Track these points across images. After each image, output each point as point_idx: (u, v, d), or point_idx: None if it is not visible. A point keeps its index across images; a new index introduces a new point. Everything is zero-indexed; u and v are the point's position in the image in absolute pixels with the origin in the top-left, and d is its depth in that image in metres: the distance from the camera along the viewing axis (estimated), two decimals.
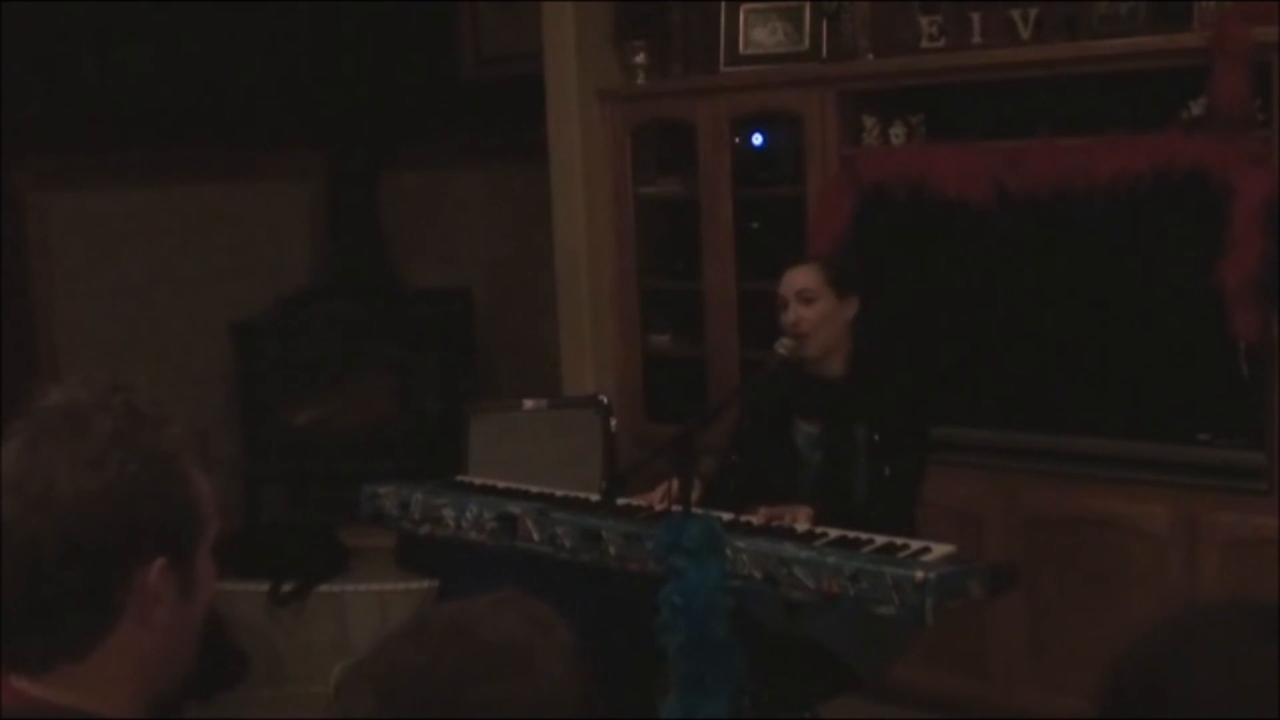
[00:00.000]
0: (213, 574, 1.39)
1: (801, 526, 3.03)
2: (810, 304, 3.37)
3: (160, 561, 1.30)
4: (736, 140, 4.55)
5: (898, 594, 2.69)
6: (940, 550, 2.89)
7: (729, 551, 2.88)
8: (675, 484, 3.06)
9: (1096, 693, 1.21)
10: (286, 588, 4.71)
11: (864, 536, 2.97)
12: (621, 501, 3.22)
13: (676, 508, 2.98)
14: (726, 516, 3.11)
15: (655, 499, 3.16)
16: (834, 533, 3.01)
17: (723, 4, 4.56)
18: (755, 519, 3.10)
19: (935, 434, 3.48)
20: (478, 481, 3.61)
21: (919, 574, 2.69)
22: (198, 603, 1.37)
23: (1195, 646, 1.17)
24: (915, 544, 2.94)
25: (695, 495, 3.24)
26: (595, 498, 3.29)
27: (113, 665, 1.30)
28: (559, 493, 3.39)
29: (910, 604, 2.68)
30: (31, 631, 1.28)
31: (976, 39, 4.03)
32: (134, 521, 1.28)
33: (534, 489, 3.43)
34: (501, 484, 3.52)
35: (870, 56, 4.24)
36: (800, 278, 3.41)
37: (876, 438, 3.28)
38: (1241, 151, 3.49)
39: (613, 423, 4.22)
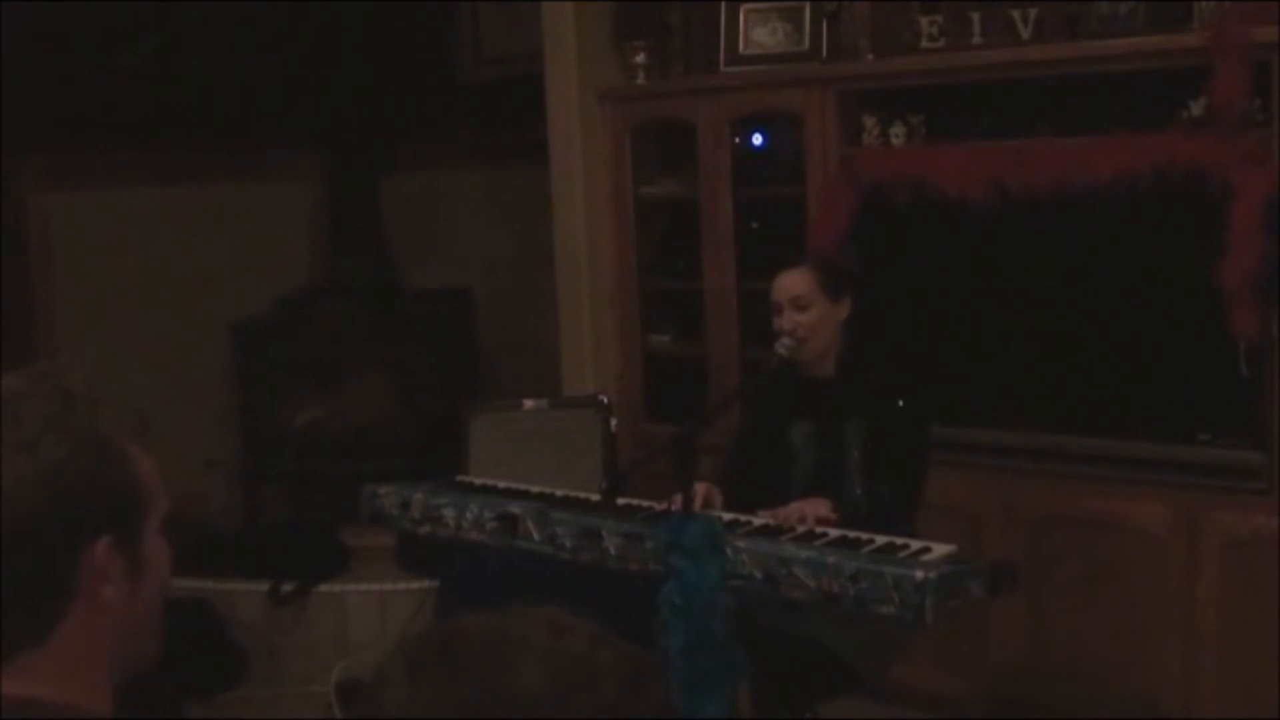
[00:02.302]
0: (165, 554, 1.38)
1: (820, 520, 3.04)
2: (805, 310, 3.36)
3: (105, 540, 1.30)
4: (736, 140, 4.55)
5: (898, 594, 2.70)
6: (940, 550, 2.89)
7: (729, 551, 2.88)
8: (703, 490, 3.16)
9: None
10: (286, 588, 4.71)
11: (864, 536, 2.97)
12: (621, 501, 3.22)
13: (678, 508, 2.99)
14: (726, 516, 3.11)
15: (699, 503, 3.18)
16: (834, 533, 3.02)
17: (723, 4, 4.56)
18: (772, 520, 3.10)
19: (934, 434, 3.48)
20: (478, 481, 3.61)
21: (919, 574, 2.70)
22: (150, 583, 1.36)
23: None
24: (915, 544, 2.94)
25: (717, 505, 3.26)
26: (595, 498, 3.29)
27: (72, 649, 1.30)
28: (559, 493, 3.39)
29: (910, 604, 2.68)
30: None
31: (976, 39, 4.03)
32: (73, 503, 1.29)
33: (534, 489, 3.43)
34: (501, 484, 3.52)
35: (870, 56, 4.24)
36: (793, 284, 3.40)
37: (871, 439, 3.29)
38: (1241, 151, 3.49)
39: (613, 423, 4.23)
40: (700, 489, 3.20)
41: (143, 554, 1.34)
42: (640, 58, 4.73)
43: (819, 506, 3.12)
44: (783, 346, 3.36)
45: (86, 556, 1.29)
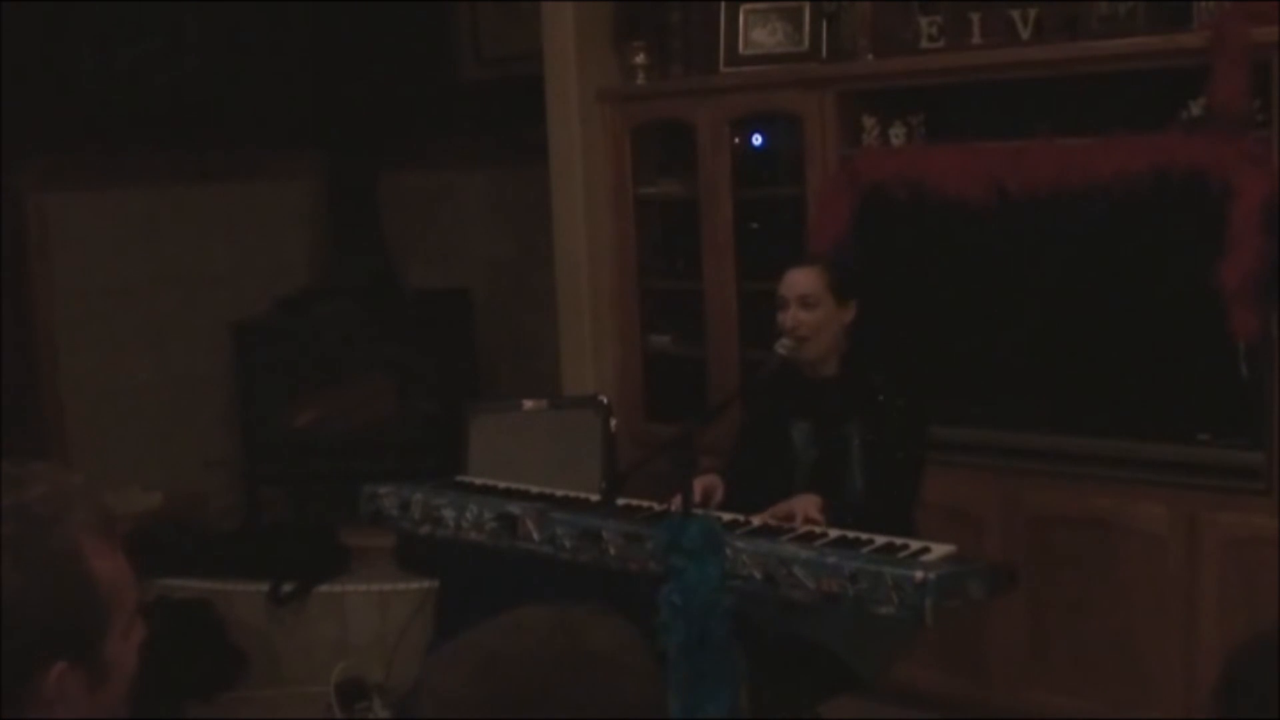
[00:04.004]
0: (132, 648, 1.35)
1: (810, 523, 3.04)
2: (811, 309, 3.36)
3: (58, 668, 1.27)
4: (736, 140, 4.55)
5: (897, 594, 2.70)
6: (940, 550, 2.89)
7: (729, 551, 2.88)
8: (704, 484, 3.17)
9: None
10: (286, 588, 4.71)
11: (864, 536, 2.98)
12: (621, 501, 3.22)
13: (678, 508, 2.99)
14: (726, 517, 3.11)
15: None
16: (834, 533, 3.02)
17: (723, 4, 4.56)
18: (764, 520, 3.10)
19: (934, 434, 3.49)
20: (478, 481, 3.61)
21: (919, 574, 2.70)
22: (116, 680, 1.33)
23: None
24: (915, 544, 2.94)
25: (719, 497, 3.26)
26: (595, 498, 3.29)
27: None
28: (559, 493, 3.39)
29: (910, 604, 2.68)
30: None
31: (976, 39, 4.03)
32: (27, 634, 1.25)
33: (534, 489, 3.44)
34: (501, 484, 3.52)
35: (870, 57, 4.24)
36: (803, 282, 3.40)
37: (871, 438, 3.29)
38: (1241, 151, 3.49)
39: (613, 423, 4.23)
40: (699, 483, 3.20)
41: (105, 663, 1.31)
42: (640, 58, 4.73)
43: (808, 504, 3.12)
44: (783, 346, 3.36)
45: (39, 681, 1.26)
